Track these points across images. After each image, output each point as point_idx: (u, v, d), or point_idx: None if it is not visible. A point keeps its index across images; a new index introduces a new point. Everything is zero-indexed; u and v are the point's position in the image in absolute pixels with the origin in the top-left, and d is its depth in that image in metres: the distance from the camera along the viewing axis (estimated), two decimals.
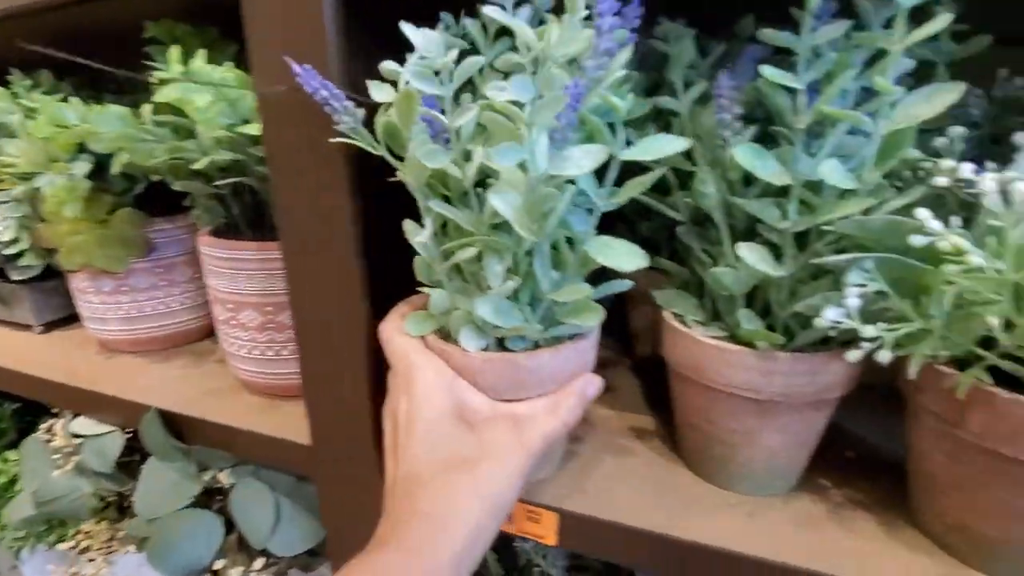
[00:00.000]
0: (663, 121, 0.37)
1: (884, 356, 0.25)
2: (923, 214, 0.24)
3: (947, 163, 0.26)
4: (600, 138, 0.30)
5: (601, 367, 0.36)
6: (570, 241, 0.33)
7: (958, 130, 0.28)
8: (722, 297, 0.34)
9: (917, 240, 0.24)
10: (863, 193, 0.28)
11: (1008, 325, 0.25)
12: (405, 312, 0.36)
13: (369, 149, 0.31)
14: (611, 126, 0.30)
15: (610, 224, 0.34)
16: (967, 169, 0.26)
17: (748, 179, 0.32)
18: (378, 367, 0.38)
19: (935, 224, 0.24)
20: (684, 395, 0.37)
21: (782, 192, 0.30)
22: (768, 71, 0.27)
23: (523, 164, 0.28)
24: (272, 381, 0.47)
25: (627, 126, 0.37)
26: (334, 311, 0.36)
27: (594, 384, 0.35)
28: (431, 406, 0.31)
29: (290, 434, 0.43)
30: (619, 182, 0.31)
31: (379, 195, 0.37)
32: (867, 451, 0.40)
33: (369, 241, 0.36)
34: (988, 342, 0.26)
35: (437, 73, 0.29)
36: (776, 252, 0.31)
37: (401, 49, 0.30)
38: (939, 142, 0.29)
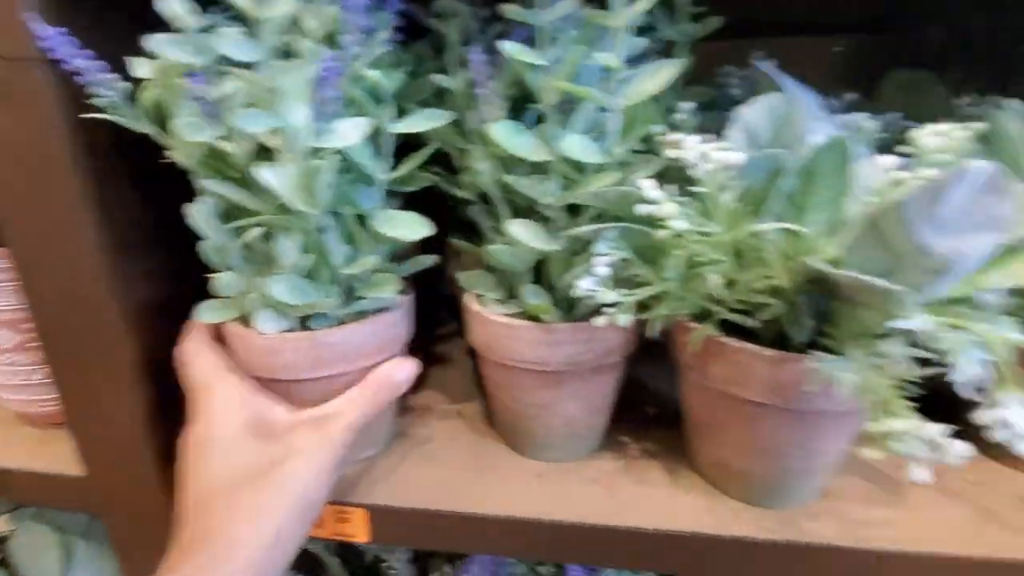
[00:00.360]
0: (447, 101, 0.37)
1: (623, 319, 0.27)
2: (644, 184, 0.26)
3: (674, 136, 0.28)
4: (369, 113, 0.31)
5: (437, 349, 0.36)
6: (361, 218, 0.33)
7: (689, 105, 0.31)
8: (513, 274, 0.35)
9: (643, 208, 0.26)
10: (611, 167, 0.30)
11: (730, 283, 0.28)
12: (200, 326, 0.34)
13: (132, 127, 0.28)
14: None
15: (429, 208, 0.34)
16: (691, 141, 0.28)
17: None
18: (160, 380, 0.34)
19: (656, 193, 0.26)
20: (487, 373, 0.37)
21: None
22: (508, 47, 0.27)
23: (286, 134, 0.28)
24: (46, 408, 0.41)
25: (418, 105, 0.36)
26: (83, 322, 0.32)
27: (404, 368, 0.34)
28: (226, 423, 0.30)
29: (65, 467, 0.37)
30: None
31: (139, 181, 0.33)
32: (666, 405, 0.43)
33: (118, 233, 0.31)
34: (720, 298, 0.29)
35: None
36: (553, 227, 0.32)
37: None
38: (675, 117, 0.31)
